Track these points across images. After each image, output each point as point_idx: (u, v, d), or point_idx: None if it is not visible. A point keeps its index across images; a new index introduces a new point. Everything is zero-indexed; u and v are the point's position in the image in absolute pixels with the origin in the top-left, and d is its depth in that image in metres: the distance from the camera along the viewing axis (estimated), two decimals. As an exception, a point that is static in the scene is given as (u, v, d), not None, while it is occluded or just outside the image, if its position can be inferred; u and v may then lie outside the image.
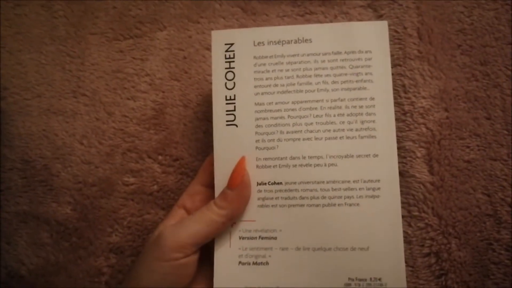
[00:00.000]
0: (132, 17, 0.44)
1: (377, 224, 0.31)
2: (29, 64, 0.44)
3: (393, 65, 0.41)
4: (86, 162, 0.40)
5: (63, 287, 0.38)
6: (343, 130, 0.32)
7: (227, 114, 0.33)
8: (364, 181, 0.32)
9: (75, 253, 0.38)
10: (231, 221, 0.32)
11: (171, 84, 0.42)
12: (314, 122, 0.33)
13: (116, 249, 0.38)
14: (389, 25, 0.42)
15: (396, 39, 0.42)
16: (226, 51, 0.34)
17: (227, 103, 0.33)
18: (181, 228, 0.30)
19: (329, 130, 0.32)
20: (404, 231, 0.37)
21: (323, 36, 0.34)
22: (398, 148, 0.39)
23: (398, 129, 0.39)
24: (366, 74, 0.33)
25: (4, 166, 0.41)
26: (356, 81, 0.33)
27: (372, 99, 0.33)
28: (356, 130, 0.32)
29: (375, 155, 0.32)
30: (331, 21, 0.43)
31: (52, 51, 0.44)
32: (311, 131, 0.32)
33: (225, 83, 0.34)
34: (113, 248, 0.38)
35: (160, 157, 0.40)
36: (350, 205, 0.32)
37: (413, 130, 0.39)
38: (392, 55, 0.41)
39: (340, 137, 0.32)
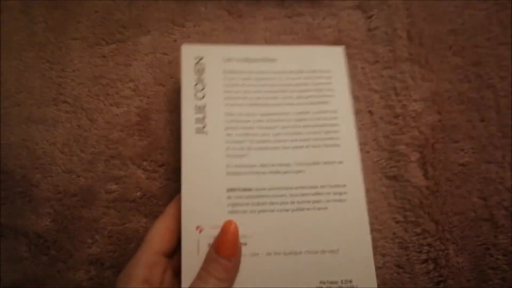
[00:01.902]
0: (114, 21, 0.43)
1: (345, 226, 0.32)
2: (7, 71, 0.42)
3: (384, 68, 0.40)
4: (67, 171, 0.39)
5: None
6: (309, 139, 0.34)
7: (196, 123, 0.34)
8: (331, 186, 0.33)
9: (54, 266, 0.36)
10: None
11: (156, 89, 0.41)
12: (281, 133, 0.34)
13: (96, 261, 0.37)
14: (378, 27, 0.42)
15: (386, 41, 0.41)
16: (196, 63, 0.36)
17: (196, 112, 0.34)
18: None
19: (296, 140, 0.34)
20: (400, 237, 0.36)
21: (287, 56, 0.36)
22: (391, 152, 0.38)
23: (391, 132, 0.38)
24: (327, 90, 0.35)
25: (-18, 178, 0.39)
26: (319, 96, 0.35)
27: (334, 111, 0.35)
28: (321, 139, 0.34)
29: (340, 162, 0.33)
30: (319, 23, 0.42)
31: (32, 58, 0.42)
32: (279, 141, 0.34)
33: (195, 93, 0.35)
34: (93, 260, 0.37)
35: (144, 163, 0.39)
36: (319, 209, 0.32)
37: (406, 133, 0.38)
38: (382, 58, 0.41)
39: (306, 146, 0.34)
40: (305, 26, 0.42)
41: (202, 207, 0.32)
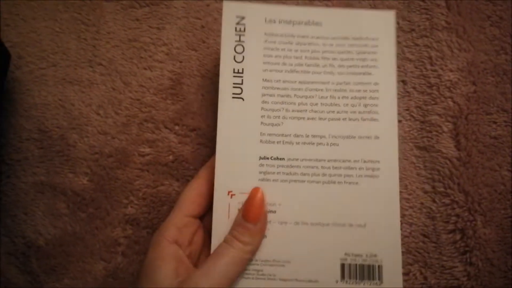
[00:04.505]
0: (148, -16, 0.43)
1: (375, 202, 0.32)
2: (43, 32, 0.43)
3: (419, 36, 0.40)
4: (102, 132, 0.40)
5: (80, 257, 0.38)
6: (346, 112, 0.33)
7: (234, 87, 0.33)
8: (364, 161, 0.33)
9: (92, 223, 0.38)
10: (254, 255, 0.31)
11: (189, 54, 0.41)
12: (319, 103, 0.33)
13: (132, 221, 0.38)
14: (415, -6, 0.41)
15: (423, 9, 0.40)
16: (237, 23, 0.34)
17: (234, 76, 0.34)
18: (214, 273, 0.29)
19: (333, 111, 0.33)
20: (428, 207, 0.36)
21: (333, 20, 0.35)
22: (423, 122, 0.38)
23: (424, 102, 0.38)
24: (371, 60, 0.34)
25: (21, 136, 0.40)
26: (362, 66, 0.34)
27: (376, 84, 0.34)
28: (359, 112, 0.33)
29: (376, 137, 0.33)
30: (354, -10, 0.42)
31: (67, 19, 0.43)
32: (316, 111, 0.33)
33: (234, 56, 0.34)
34: (129, 219, 0.38)
35: (176, 127, 0.40)
36: (350, 183, 0.32)
37: (439, 104, 0.38)
38: (418, 26, 0.40)
39: (343, 119, 0.33)
40: (340, -8, 0.42)
41: (235, 173, 0.33)
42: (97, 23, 0.42)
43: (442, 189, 0.36)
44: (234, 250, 0.30)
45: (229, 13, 0.34)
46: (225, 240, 0.30)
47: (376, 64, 0.34)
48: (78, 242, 0.38)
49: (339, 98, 0.33)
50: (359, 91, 0.34)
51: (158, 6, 0.42)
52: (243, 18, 0.34)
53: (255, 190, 0.32)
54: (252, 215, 0.31)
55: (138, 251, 0.38)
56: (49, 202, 0.39)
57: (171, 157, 0.39)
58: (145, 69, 0.41)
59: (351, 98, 0.33)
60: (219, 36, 0.41)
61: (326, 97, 0.34)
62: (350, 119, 0.33)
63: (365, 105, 0.33)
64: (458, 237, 0.35)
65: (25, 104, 0.41)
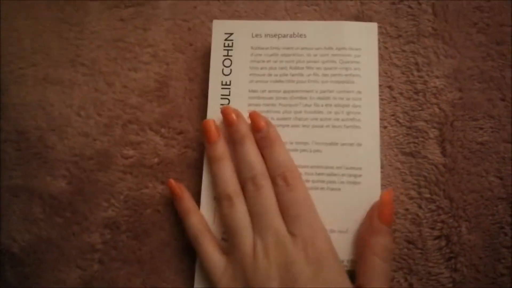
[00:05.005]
0: (133, -17, 0.42)
1: (357, 208, 0.33)
2: (25, 31, 0.42)
3: (406, 42, 0.40)
4: (83, 134, 0.39)
5: (55, 265, 0.36)
6: (329, 119, 0.34)
7: (221, 98, 0.35)
8: (347, 168, 0.33)
9: (68, 229, 0.37)
10: None
11: (176, 57, 0.40)
12: (303, 111, 0.35)
13: (111, 224, 0.37)
14: (403, 0, 0.41)
15: (410, 15, 0.40)
16: (226, 39, 0.37)
17: (222, 88, 0.36)
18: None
19: (316, 119, 0.34)
20: (414, 213, 0.36)
21: (317, 32, 0.36)
22: (409, 128, 0.37)
23: (410, 108, 0.38)
24: (354, 69, 0.35)
25: (-2, 138, 0.39)
26: (345, 75, 0.35)
27: (359, 92, 0.35)
28: (342, 120, 0.34)
29: (359, 144, 0.34)
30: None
31: (49, 18, 0.42)
32: (300, 119, 0.34)
33: (222, 69, 0.36)
34: (108, 223, 0.37)
35: (163, 130, 0.39)
36: (332, 189, 0.33)
37: (426, 110, 0.38)
38: (405, 32, 0.40)
39: (326, 126, 0.34)
40: (328, -4, 0.42)
41: None
42: (80, 22, 0.42)
43: (428, 195, 0.36)
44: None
45: (218, 30, 0.37)
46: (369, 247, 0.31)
47: (359, 73, 0.35)
48: (53, 248, 0.36)
49: (322, 106, 0.35)
50: (342, 99, 0.35)
51: (143, 7, 0.42)
52: (231, 34, 0.37)
53: (387, 194, 0.32)
54: (387, 217, 0.31)
55: (115, 257, 0.36)
56: (25, 206, 0.38)
57: (156, 160, 0.38)
58: (129, 70, 0.40)
59: (334, 105, 0.34)
60: (206, 39, 0.41)
61: (310, 105, 0.35)
62: (333, 126, 0.34)
63: (348, 113, 0.34)
64: (443, 243, 0.35)
65: (3, 105, 0.40)
